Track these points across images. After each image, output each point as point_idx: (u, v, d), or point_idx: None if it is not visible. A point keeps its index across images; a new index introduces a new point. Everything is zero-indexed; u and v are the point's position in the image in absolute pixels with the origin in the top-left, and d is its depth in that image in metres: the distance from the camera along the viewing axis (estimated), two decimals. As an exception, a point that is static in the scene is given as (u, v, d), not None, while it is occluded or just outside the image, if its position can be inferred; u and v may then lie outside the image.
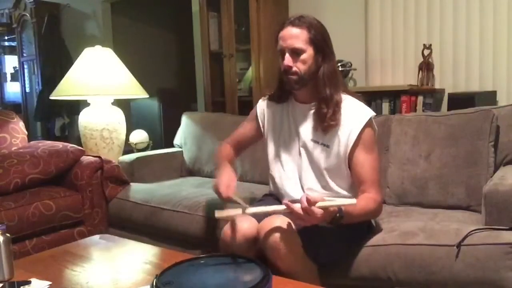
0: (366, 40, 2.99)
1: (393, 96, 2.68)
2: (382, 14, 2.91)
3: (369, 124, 1.55)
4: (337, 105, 1.55)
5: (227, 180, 1.59)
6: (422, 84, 2.68)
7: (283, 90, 1.65)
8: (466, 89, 2.67)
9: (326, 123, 1.54)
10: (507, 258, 1.40)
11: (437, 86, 2.73)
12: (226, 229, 1.49)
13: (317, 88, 1.55)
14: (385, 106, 2.70)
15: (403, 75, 2.88)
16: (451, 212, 1.84)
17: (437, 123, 2.01)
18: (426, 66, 2.67)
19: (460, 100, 2.33)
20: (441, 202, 1.92)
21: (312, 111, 1.60)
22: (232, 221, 1.49)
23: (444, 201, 1.92)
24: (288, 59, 1.53)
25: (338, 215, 1.34)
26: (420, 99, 2.60)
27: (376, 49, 2.96)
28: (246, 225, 1.46)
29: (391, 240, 1.57)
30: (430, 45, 2.66)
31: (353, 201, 1.32)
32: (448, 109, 2.41)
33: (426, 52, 2.66)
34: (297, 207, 1.28)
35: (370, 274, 1.56)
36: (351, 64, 2.97)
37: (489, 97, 2.52)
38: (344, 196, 1.60)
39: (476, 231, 1.48)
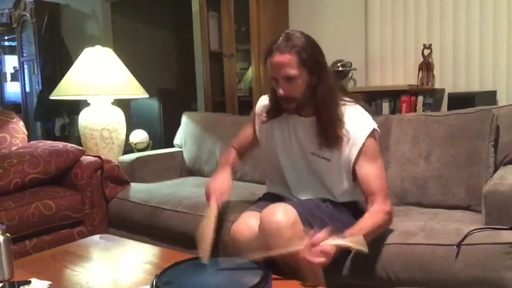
0: (366, 40, 2.99)
1: (393, 96, 2.68)
2: (382, 14, 2.91)
3: (371, 135, 1.53)
4: (340, 120, 1.52)
5: (221, 186, 1.61)
6: (422, 84, 2.68)
7: (279, 107, 1.62)
8: (466, 89, 2.67)
9: (333, 142, 1.52)
10: (507, 258, 1.40)
11: (437, 86, 2.73)
12: (236, 226, 1.49)
13: (317, 108, 1.53)
14: (385, 106, 2.71)
15: (403, 75, 2.88)
16: (451, 212, 1.84)
17: (437, 123, 2.00)
18: (426, 66, 2.67)
19: (460, 100, 2.34)
20: (441, 202, 1.92)
21: (312, 125, 1.58)
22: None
23: (444, 201, 1.92)
24: (282, 89, 1.50)
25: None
26: (420, 99, 2.60)
27: (376, 49, 2.96)
28: (254, 222, 1.46)
29: (391, 240, 1.57)
30: (430, 45, 2.66)
31: (365, 248, 1.28)
32: (448, 109, 2.41)
33: (426, 52, 2.66)
34: (310, 255, 1.24)
35: (370, 274, 1.56)
36: (351, 64, 2.97)
37: (489, 97, 2.52)
38: (342, 206, 1.61)
39: (476, 230, 1.48)
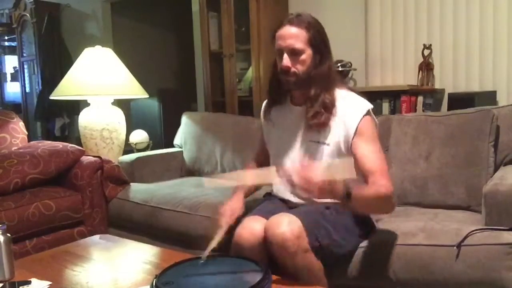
0: (366, 40, 2.99)
1: (393, 96, 2.68)
2: (382, 14, 2.91)
3: (367, 115, 1.52)
4: (325, 106, 1.52)
5: (233, 208, 1.62)
6: (422, 84, 2.68)
7: (278, 92, 1.64)
8: (466, 89, 2.67)
9: (311, 122, 1.53)
10: (508, 259, 1.40)
11: (437, 86, 2.73)
12: (239, 231, 1.48)
13: (311, 86, 1.54)
14: (385, 106, 2.71)
15: (403, 75, 2.88)
16: (451, 212, 1.84)
17: (437, 123, 2.00)
18: (426, 66, 2.67)
19: (460, 100, 2.34)
20: (441, 202, 1.92)
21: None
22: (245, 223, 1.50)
23: (444, 201, 1.92)
24: (286, 60, 1.51)
25: (346, 192, 1.31)
26: (420, 99, 2.60)
27: (376, 49, 2.96)
28: (258, 227, 1.45)
29: (391, 240, 1.57)
30: (430, 45, 2.66)
31: (350, 160, 1.30)
32: (448, 109, 2.41)
33: (426, 52, 2.66)
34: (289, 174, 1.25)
35: (371, 274, 1.56)
36: (351, 64, 2.97)
37: (489, 97, 2.52)
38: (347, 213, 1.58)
39: (476, 231, 1.48)
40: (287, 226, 1.36)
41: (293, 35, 1.50)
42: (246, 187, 1.75)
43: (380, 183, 1.41)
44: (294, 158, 1.64)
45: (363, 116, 1.51)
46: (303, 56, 1.51)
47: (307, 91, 1.55)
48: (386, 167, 1.47)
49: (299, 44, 1.50)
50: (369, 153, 1.48)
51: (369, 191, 1.39)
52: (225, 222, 1.56)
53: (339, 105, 1.54)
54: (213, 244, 1.41)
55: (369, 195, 1.39)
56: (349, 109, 1.53)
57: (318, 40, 1.52)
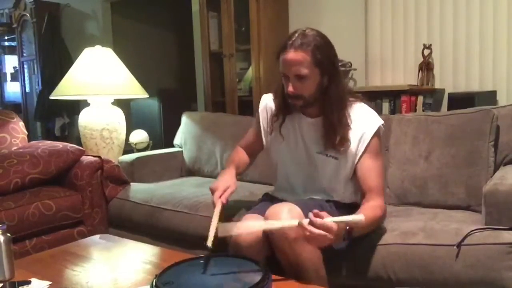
0: (366, 40, 3.00)
1: (393, 96, 2.68)
2: (382, 14, 2.92)
3: (377, 133, 1.54)
4: (347, 124, 1.53)
5: (225, 184, 1.61)
6: (422, 84, 2.68)
7: (286, 106, 1.62)
8: (466, 89, 2.67)
9: (339, 144, 1.53)
10: (507, 258, 1.40)
11: (437, 86, 2.74)
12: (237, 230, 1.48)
13: (325, 110, 1.53)
14: (385, 106, 2.71)
15: (403, 75, 2.88)
16: (451, 212, 1.84)
17: (437, 123, 2.00)
18: (426, 66, 2.68)
19: (460, 100, 2.34)
20: (441, 202, 1.92)
21: (318, 126, 1.58)
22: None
23: (444, 201, 1.92)
24: (292, 86, 1.48)
25: (347, 228, 1.33)
26: (420, 99, 2.60)
27: (376, 49, 2.96)
28: (256, 225, 1.45)
29: (391, 240, 1.57)
30: (430, 45, 2.66)
31: (361, 217, 1.29)
32: (448, 109, 2.42)
33: (426, 52, 2.67)
34: (310, 226, 1.23)
35: (370, 274, 1.56)
36: (351, 64, 2.97)
37: (489, 97, 2.53)
38: (344, 208, 1.61)
39: (476, 231, 1.48)
40: (287, 213, 1.37)
41: (297, 62, 1.45)
42: (236, 164, 1.77)
43: (377, 204, 1.48)
44: (299, 170, 1.65)
45: (374, 133, 1.53)
46: (310, 81, 1.48)
47: (321, 106, 1.55)
48: (383, 184, 1.56)
49: (304, 70, 1.45)
50: (372, 170, 1.53)
51: (368, 219, 1.37)
52: (218, 197, 1.56)
53: (352, 119, 1.54)
54: (213, 227, 1.39)
55: (369, 223, 1.39)
56: (362, 126, 1.53)
57: (325, 62, 1.47)
